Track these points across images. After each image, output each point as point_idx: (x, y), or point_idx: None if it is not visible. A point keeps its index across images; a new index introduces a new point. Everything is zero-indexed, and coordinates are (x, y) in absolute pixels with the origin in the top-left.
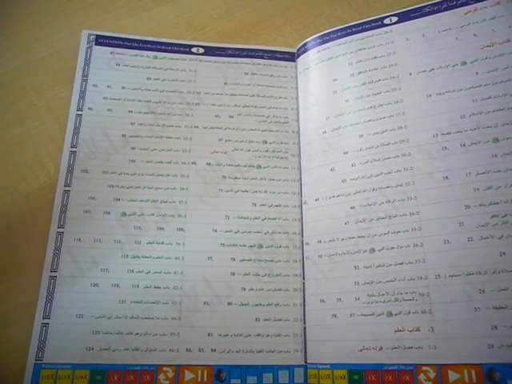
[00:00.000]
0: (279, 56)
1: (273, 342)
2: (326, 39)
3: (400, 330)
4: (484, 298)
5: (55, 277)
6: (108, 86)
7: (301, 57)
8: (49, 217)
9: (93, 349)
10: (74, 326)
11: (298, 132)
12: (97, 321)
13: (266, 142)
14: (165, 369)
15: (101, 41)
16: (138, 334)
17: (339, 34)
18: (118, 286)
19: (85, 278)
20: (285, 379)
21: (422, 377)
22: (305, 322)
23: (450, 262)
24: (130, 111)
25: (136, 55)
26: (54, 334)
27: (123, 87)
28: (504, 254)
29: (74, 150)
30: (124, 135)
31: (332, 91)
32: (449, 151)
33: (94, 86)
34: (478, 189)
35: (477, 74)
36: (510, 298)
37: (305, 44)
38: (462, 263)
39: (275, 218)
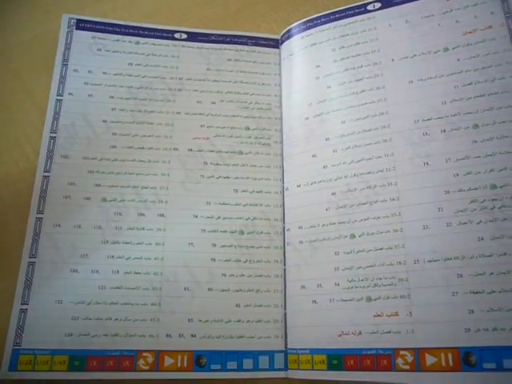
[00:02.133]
0: (263, 42)
1: (253, 327)
2: (309, 25)
3: (379, 315)
4: (462, 282)
5: (34, 262)
6: (89, 71)
7: (284, 43)
8: (28, 202)
9: (72, 334)
10: (53, 311)
11: (281, 118)
12: (76, 306)
13: (248, 129)
14: (144, 354)
15: (82, 25)
16: (117, 319)
17: (322, 20)
18: (97, 271)
19: (64, 264)
20: (265, 364)
21: (399, 361)
22: (285, 308)
23: (428, 247)
24: (111, 97)
25: (118, 40)
26: (33, 319)
27: (104, 72)
28: (482, 239)
29: (54, 135)
30: (105, 121)
31: (315, 77)
32: (429, 137)
33: (74, 70)
34: (457, 174)
35: (458, 60)
36: (487, 283)
37: (288, 30)
38: (441, 248)
39: (257, 204)
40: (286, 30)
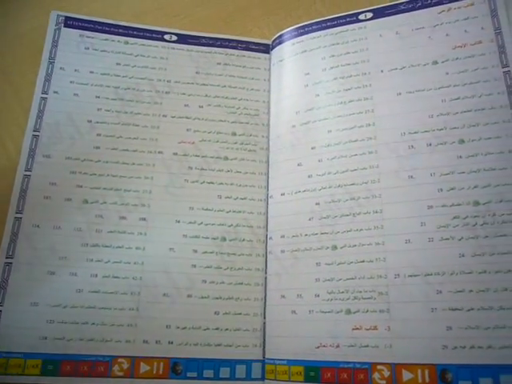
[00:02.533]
0: (253, 47)
1: (232, 336)
2: (300, 32)
3: (358, 328)
4: (441, 298)
5: (11, 263)
6: (76, 70)
7: (275, 49)
8: (7, 201)
9: (46, 338)
10: (28, 314)
11: (268, 125)
12: (52, 309)
13: (234, 134)
14: (120, 360)
15: (70, 23)
16: (94, 324)
17: (314, 27)
18: (75, 274)
19: (42, 266)
20: (242, 374)
21: (376, 375)
22: (265, 317)
23: (409, 261)
24: (97, 96)
25: (106, 39)
26: (7, 321)
27: (91, 72)
28: (463, 255)
29: (37, 133)
30: (90, 121)
31: (303, 85)
32: (415, 150)
33: (61, 69)
34: (441, 189)
35: (447, 74)
36: (466, 300)
37: (280, 36)
38: (422, 263)
39: (240, 211)
40: (277, 35)
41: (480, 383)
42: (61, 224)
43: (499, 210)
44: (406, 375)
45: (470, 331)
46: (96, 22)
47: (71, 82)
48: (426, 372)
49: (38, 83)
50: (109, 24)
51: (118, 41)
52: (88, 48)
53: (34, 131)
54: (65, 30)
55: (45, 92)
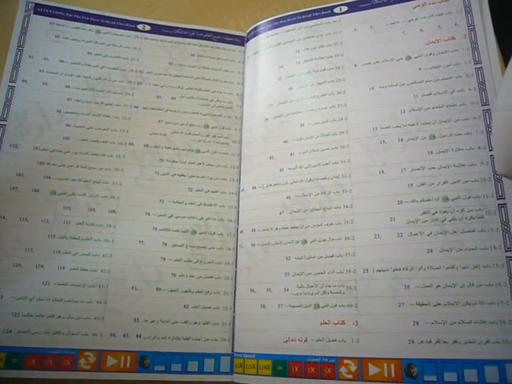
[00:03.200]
0: (228, 39)
1: (200, 329)
2: (275, 24)
3: (326, 323)
4: (408, 293)
5: None
6: (45, 59)
7: (250, 41)
8: None
9: (11, 331)
10: None
11: (241, 118)
12: (17, 302)
13: (207, 127)
14: (86, 353)
15: (40, 10)
16: (60, 317)
17: (289, 20)
18: (42, 266)
19: (7, 258)
20: (210, 367)
21: (343, 369)
22: (234, 311)
23: (378, 256)
24: (67, 86)
25: (77, 28)
26: None
27: (61, 61)
28: (431, 251)
29: (4, 123)
30: (59, 111)
31: (277, 78)
32: (386, 145)
33: (29, 57)
34: (411, 184)
35: (420, 69)
36: (433, 295)
37: (254, 28)
38: (391, 258)
39: (211, 205)
40: (253, 27)
41: (445, 377)
42: (28, 216)
43: (468, 205)
44: (373, 369)
45: (436, 326)
46: (67, 9)
47: (40, 70)
48: (392, 366)
49: (5, 71)
50: (80, 12)
51: (90, 29)
52: (58, 36)
53: (1, 120)
54: (34, 17)
55: (13, 80)
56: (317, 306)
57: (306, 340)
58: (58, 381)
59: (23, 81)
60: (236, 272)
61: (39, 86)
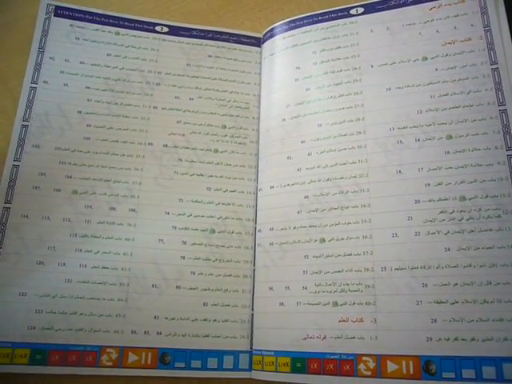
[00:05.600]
0: (245, 40)
1: (220, 327)
2: (292, 26)
3: (344, 320)
4: (426, 291)
5: None
6: (66, 60)
7: (266, 42)
8: None
9: (35, 328)
10: (16, 304)
11: (258, 118)
12: (41, 299)
13: (225, 127)
14: (108, 350)
15: (60, 12)
16: (82, 314)
17: (305, 21)
18: (64, 264)
19: (30, 256)
20: (229, 364)
21: (361, 366)
22: (253, 309)
23: (396, 255)
24: (87, 87)
25: (97, 30)
26: None
27: (81, 62)
28: (449, 249)
29: (26, 123)
30: (80, 111)
31: (294, 79)
32: (403, 145)
33: (50, 58)
34: (428, 184)
35: (436, 70)
36: (451, 293)
37: (271, 29)
38: (408, 257)
39: (229, 204)
40: (269, 28)
41: (463, 375)
42: (50, 214)
43: (485, 205)
44: (391, 366)
45: (454, 324)
46: (87, 11)
47: (61, 72)
48: (411, 363)
49: (27, 73)
50: (100, 14)
51: (109, 31)
52: (78, 38)
53: (24, 121)
54: (55, 20)
55: (34, 82)
56: (335, 304)
57: (324, 337)
58: (81, 376)
59: (44, 82)
60: (254, 270)
61: (60, 87)
